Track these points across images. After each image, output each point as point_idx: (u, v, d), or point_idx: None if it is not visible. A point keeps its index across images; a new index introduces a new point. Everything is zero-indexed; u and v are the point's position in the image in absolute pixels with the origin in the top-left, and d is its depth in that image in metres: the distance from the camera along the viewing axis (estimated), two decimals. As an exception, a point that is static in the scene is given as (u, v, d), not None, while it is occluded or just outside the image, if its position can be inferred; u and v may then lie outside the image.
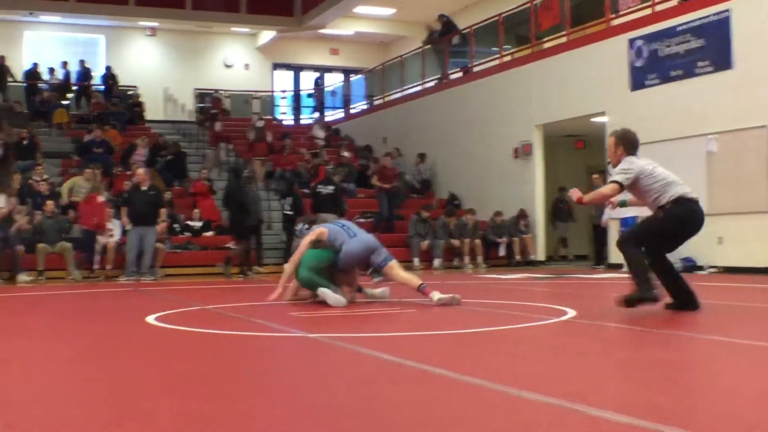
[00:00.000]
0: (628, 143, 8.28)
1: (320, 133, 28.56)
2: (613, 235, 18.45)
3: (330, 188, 18.81)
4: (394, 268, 9.72)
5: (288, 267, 9.97)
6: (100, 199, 17.98)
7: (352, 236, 9.81)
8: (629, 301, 7.84)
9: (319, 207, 18.49)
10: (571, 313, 8.10)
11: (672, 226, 7.97)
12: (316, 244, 9.75)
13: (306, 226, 10.39)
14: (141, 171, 17.77)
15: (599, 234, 19.34)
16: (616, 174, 8.04)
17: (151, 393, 4.48)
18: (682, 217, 7.93)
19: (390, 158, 23.42)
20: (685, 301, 8.05)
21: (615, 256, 18.40)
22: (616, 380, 4.80)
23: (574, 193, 8.42)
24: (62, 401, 4.27)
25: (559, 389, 4.29)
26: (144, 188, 17.18)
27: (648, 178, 7.95)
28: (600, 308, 9.74)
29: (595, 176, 19.37)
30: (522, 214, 20.69)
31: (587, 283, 14.11)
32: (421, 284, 9.43)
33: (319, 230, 9.94)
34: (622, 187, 7.98)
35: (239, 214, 17.86)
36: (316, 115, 34.03)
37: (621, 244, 8.09)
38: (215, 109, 29.77)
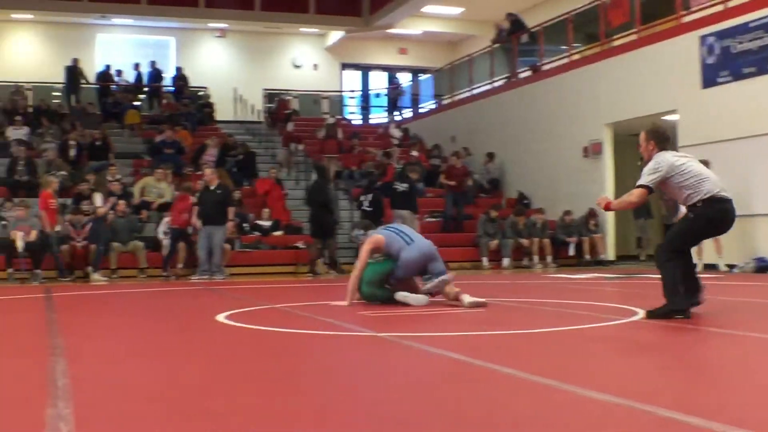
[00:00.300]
0: (660, 138, 8.02)
1: (396, 133, 28.55)
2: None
3: (405, 186, 18.84)
4: (448, 284, 9.51)
5: (352, 281, 9.78)
6: (193, 199, 18.23)
7: (409, 243, 9.63)
8: (655, 316, 7.68)
9: (394, 204, 18.58)
10: (641, 313, 8.01)
11: (702, 226, 7.80)
12: (374, 254, 9.74)
13: (362, 232, 10.27)
14: (208, 171, 17.95)
15: (671, 233, 19.08)
16: (644, 176, 7.79)
17: (222, 390, 4.54)
18: (712, 217, 7.71)
19: (457, 158, 23.38)
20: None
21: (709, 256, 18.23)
22: (686, 381, 4.75)
23: (602, 201, 8.34)
24: (139, 398, 4.34)
25: (629, 389, 4.27)
26: (212, 188, 17.34)
27: (679, 175, 7.70)
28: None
29: (666, 175, 19.17)
30: (591, 214, 20.52)
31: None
32: (458, 293, 9.29)
33: (375, 238, 9.77)
34: (650, 190, 7.80)
35: (323, 213, 17.98)
36: (386, 114, 34.10)
37: (656, 255, 7.94)
38: (287, 110, 29.95)
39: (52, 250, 16.67)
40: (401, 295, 9.35)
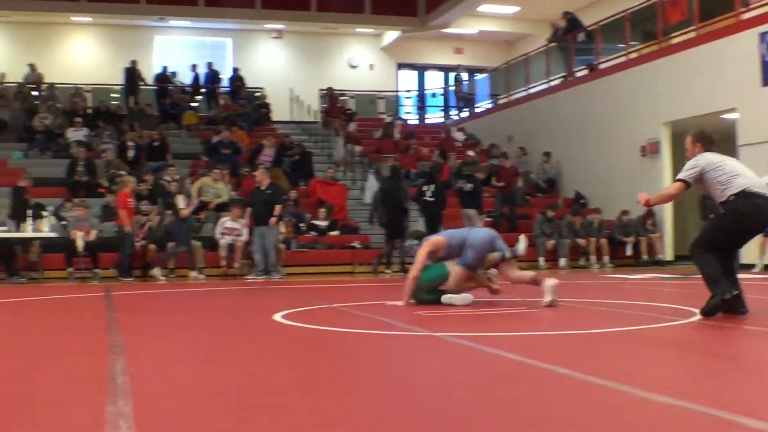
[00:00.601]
0: (705, 140, 8.21)
1: (459, 136, 28.44)
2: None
3: (470, 186, 18.86)
4: (512, 265, 9.62)
5: (409, 281, 9.77)
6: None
7: (471, 229, 9.90)
8: (707, 312, 7.65)
9: (461, 203, 18.73)
10: (699, 314, 7.94)
11: (734, 220, 7.76)
12: (431, 256, 9.74)
13: (416, 242, 10.21)
14: (258, 171, 18.08)
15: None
16: (683, 171, 7.99)
17: (280, 389, 4.57)
18: (744, 211, 7.66)
19: (505, 158, 23.25)
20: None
21: (746, 256, 17.99)
22: (747, 383, 4.70)
23: (642, 196, 8.34)
24: (198, 395, 4.39)
25: (687, 391, 4.24)
26: (262, 188, 17.47)
27: (714, 171, 7.80)
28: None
29: (725, 174, 18.96)
30: (649, 213, 20.34)
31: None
32: (535, 276, 9.42)
33: (435, 239, 9.84)
34: (687, 185, 7.93)
35: (397, 213, 18.09)
36: (442, 114, 34.07)
37: (691, 250, 7.93)
38: (339, 105, 30.02)
39: (126, 249, 16.93)
40: (446, 298, 9.36)
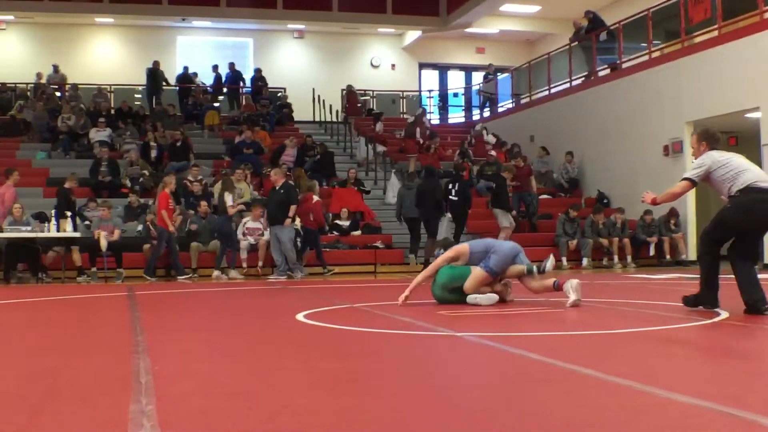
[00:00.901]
0: (711, 138, 8.35)
1: (491, 139, 28.33)
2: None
3: (494, 185, 19.06)
4: (535, 277, 9.60)
5: (417, 278, 9.91)
6: (316, 198, 18.55)
7: (498, 242, 9.92)
8: (687, 301, 8.41)
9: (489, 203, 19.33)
10: (724, 314, 7.91)
11: (738, 215, 7.90)
12: (452, 262, 9.77)
13: (442, 251, 10.30)
14: (273, 171, 18.14)
15: (753, 233, 18.77)
16: (690, 170, 8.27)
17: (304, 388, 4.58)
18: (748, 206, 7.81)
19: (521, 158, 23.18)
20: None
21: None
22: (771, 383, 4.68)
23: (648, 196, 8.67)
24: (221, 394, 4.40)
25: (711, 391, 4.22)
26: (276, 188, 17.52)
27: (721, 168, 7.96)
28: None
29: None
30: (672, 213, 20.25)
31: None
32: (555, 281, 9.38)
33: (459, 247, 10.03)
34: (693, 183, 8.14)
35: (435, 212, 18.19)
36: (463, 113, 34.10)
37: (698, 246, 8.31)
38: (373, 110, 30.09)
39: (160, 249, 17.13)
40: (471, 298, 9.37)
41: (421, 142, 26.07)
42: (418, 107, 31.16)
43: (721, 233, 8.15)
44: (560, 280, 9.26)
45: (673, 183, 20.14)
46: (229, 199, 18.53)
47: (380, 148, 25.75)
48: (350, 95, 30.30)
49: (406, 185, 19.67)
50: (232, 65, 30.43)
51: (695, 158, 8.38)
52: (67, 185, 18.16)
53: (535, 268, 9.49)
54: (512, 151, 25.53)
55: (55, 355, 6.11)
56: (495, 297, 9.40)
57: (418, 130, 26.51)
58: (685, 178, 8.17)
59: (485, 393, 4.41)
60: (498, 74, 32.97)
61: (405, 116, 32.30)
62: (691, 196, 20.46)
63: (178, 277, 17.07)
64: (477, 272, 9.50)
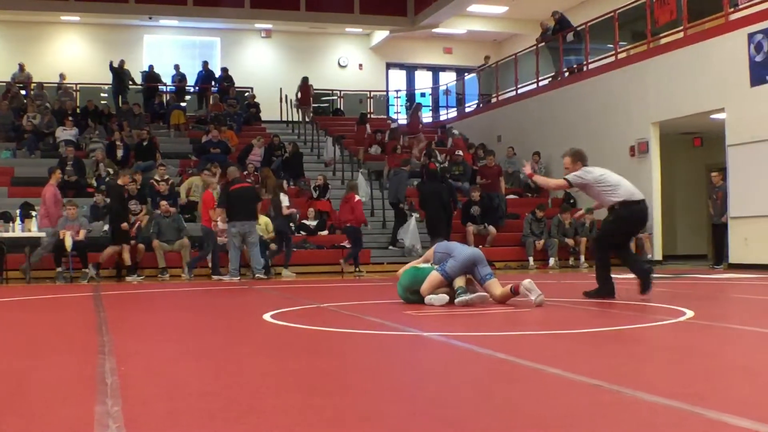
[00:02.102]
0: (583, 158, 10.30)
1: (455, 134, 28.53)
2: (734, 233, 18.10)
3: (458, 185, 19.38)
4: (495, 285, 9.44)
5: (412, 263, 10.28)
6: (358, 198, 18.68)
7: (460, 247, 9.81)
8: (587, 294, 10.00)
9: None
10: (689, 313, 7.97)
11: (622, 225, 9.83)
12: (427, 261, 9.90)
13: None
14: (229, 170, 18.11)
15: (719, 233, 18.94)
16: (572, 174, 9.98)
17: (272, 388, 4.57)
18: (629, 217, 9.79)
19: (491, 158, 23.30)
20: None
21: (735, 255, 18.06)
22: (736, 382, 4.71)
23: (528, 168, 10.71)
24: (188, 395, 4.38)
25: (676, 391, 4.24)
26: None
27: (600, 184, 9.81)
28: (719, 309, 9.61)
29: (714, 174, 19.03)
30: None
31: (706, 284, 13.86)
32: (511, 286, 9.24)
33: (431, 249, 10.09)
34: (569, 185, 9.99)
35: (440, 213, 18.33)
36: (431, 114, 34.21)
37: (593, 251, 9.84)
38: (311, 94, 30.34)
39: (209, 247, 17.32)
40: (429, 299, 9.36)
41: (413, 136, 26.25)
42: (386, 107, 31.26)
43: (615, 240, 9.90)
44: (515, 285, 9.21)
45: (640, 183, 20.38)
46: (285, 200, 18.70)
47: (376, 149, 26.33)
48: (304, 87, 30.34)
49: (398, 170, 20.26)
50: (205, 64, 30.37)
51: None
52: (120, 182, 17.93)
53: (465, 297, 9.30)
54: (476, 153, 25.63)
55: (20, 356, 6.06)
56: (446, 298, 9.39)
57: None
58: (565, 178, 9.97)
59: (453, 393, 4.41)
60: (464, 74, 33.07)
61: (372, 116, 32.45)
62: (656, 196, 20.61)
63: (213, 276, 17.13)
64: (432, 275, 9.54)
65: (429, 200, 18.94)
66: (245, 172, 21.79)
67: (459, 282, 9.42)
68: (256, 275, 16.61)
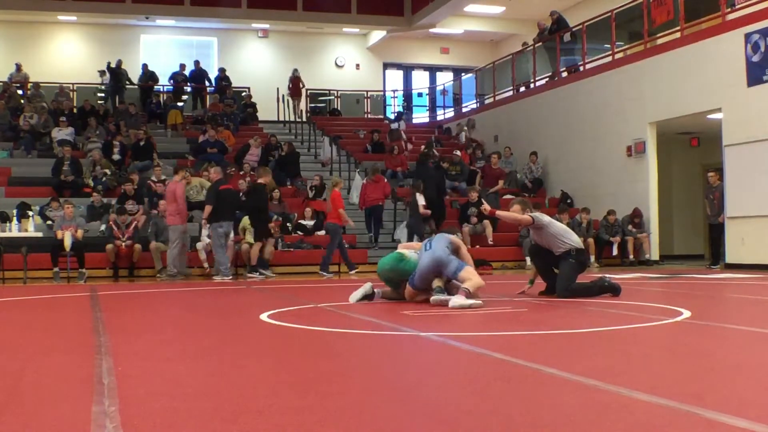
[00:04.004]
0: (530, 206, 10.99)
1: (462, 138, 28.49)
2: (731, 233, 18.10)
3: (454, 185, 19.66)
4: (467, 272, 9.30)
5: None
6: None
7: (427, 249, 9.70)
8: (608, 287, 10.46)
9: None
10: (686, 313, 7.98)
11: (581, 268, 10.56)
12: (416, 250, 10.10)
13: (459, 234, 10.85)
14: (214, 169, 18.15)
15: (715, 233, 18.95)
16: (536, 213, 10.65)
17: (267, 389, 4.57)
18: (584, 261, 10.76)
19: (494, 156, 23.38)
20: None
21: (732, 255, 18.07)
22: (733, 382, 4.71)
23: (486, 207, 10.92)
24: (185, 395, 4.38)
25: (674, 390, 4.25)
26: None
27: (552, 227, 10.43)
28: (716, 309, 9.61)
29: (711, 174, 19.03)
30: (635, 213, 20.39)
31: (703, 284, 13.86)
32: (466, 289, 9.10)
33: (420, 243, 10.39)
34: (532, 222, 10.39)
35: (434, 196, 18.60)
36: (427, 114, 34.25)
37: (564, 293, 10.11)
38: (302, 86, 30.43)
39: (340, 244, 17.67)
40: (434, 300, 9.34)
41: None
42: (383, 107, 31.29)
43: (576, 278, 10.43)
44: (462, 292, 9.11)
45: (636, 183, 20.41)
46: (421, 199, 19.07)
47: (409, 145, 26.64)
48: (295, 80, 30.66)
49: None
50: (197, 63, 30.32)
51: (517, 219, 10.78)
52: (261, 181, 17.98)
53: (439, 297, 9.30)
54: (474, 153, 25.63)
55: (17, 356, 6.05)
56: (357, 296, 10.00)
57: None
58: (531, 215, 10.42)
59: (450, 392, 4.41)
60: (461, 75, 33.09)
61: (369, 116, 32.53)
62: (653, 196, 20.63)
63: (350, 272, 17.64)
64: (407, 289, 9.78)
65: (427, 185, 19.44)
66: (242, 172, 21.84)
67: (436, 282, 9.44)
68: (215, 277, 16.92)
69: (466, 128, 28.75)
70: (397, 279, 9.93)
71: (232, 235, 17.61)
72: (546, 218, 10.57)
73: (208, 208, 16.91)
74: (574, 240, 10.50)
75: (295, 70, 30.80)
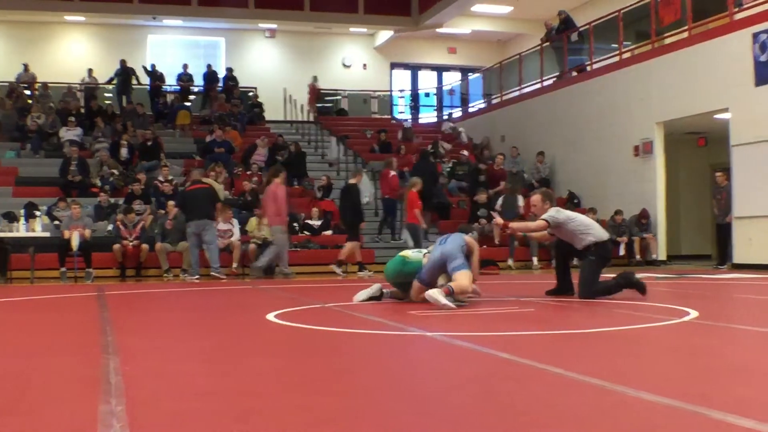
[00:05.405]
0: (552, 198, 10.76)
1: (464, 137, 28.51)
2: (739, 233, 18.08)
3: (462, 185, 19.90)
4: (459, 277, 9.17)
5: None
6: (393, 173, 20.13)
7: (441, 244, 9.66)
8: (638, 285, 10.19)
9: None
10: (693, 313, 7.97)
11: (604, 262, 10.36)
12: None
13: (474, 233, 10.85)
14: (192, 171, 18.24)
15: (723, 233, 18.92)
16: (547, 215, 10.18)
17: (276, 388, 4.57)
18: (606, 255, 10.46)
19: (499, 156, 23.43)
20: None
21: (739, 255, 18.04)
22: (740, 383, 4.70)
23: (498, 221, 11.20)
24: (192, 395, 4.38)
25: (679, 391, 4.24)
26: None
27: (572, 223, 10.18)
28: (723, 309, 9.59)
29: (718, 174, 19.00)
30: (642, 214, 20.36)
31: (710, 284, 13.84)
32: (450, 287, 9.02)
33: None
34: (548, 225, 10.14)
35: (431, 187, 19.01)
36: (435, 113, 34.25)
37: (588, 294, 9.93)
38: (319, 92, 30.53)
39: (418, 243, 17.49)
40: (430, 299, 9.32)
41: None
42: (390, 107, 31.36)
43: (598, 278, 10.24)
44: (446, 289, 9.09)
45: (644, 183, 20.40)
46: (520, 199, 19.56)
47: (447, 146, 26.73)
48: (314, 88, 31.41)
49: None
50: (209, 67, 30.35)
51: (537, 214, 10.51)
52: (352, 181, 18.30)
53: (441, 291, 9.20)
54: (482, 153, 25.62)
55: (24, 356, 6.06)
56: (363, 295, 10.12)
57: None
58: (543, 219, 10.13)
59: (457, 392, 4.41)
60: (470, 74, 33.07)
61: (376, 116, 32.58)
62: (660, 196, 20.61)
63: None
64: (414, 284, 9.67)
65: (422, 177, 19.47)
66: (249, 172, 21.87)
67: (441, 280, 9.44)
68: (212, 273, 16.96)
69: (462, 133, 28.78)
70: (406, 282, 9.90)
71: (237, 234, 17.70)
72: (563, 215, 10.22)
73: (174, 210, 17.77)
74: (596, 233, 10.23)
75: (315, 78, 30.86)
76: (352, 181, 18.19)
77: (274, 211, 17.22)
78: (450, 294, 8.89)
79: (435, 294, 8.86)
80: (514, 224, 10.84)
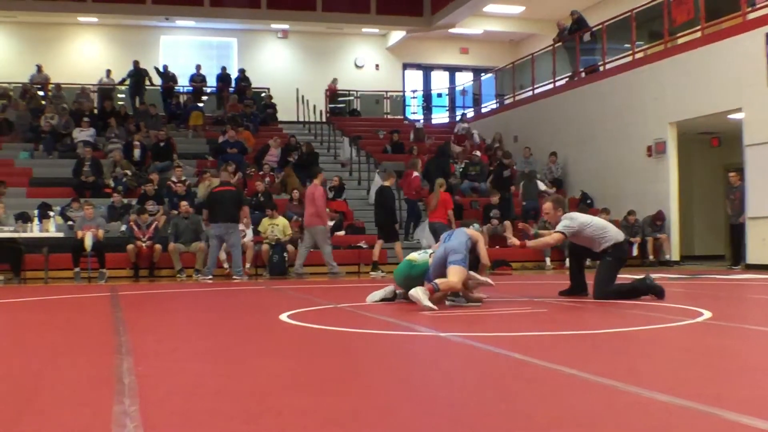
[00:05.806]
0: (564, 205, 10.92)
1: (476, 139, 28.49)
2: (752, 233, 18.02)
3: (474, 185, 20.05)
4: (450, 272, 9.08)
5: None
6: (416, 174, 20.15)
7: (445, 242, 9.58)
8: (657, 291, 10.01)
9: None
10: (707, 314, 7.94)
11: (620, 264, 10.37)
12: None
13: (476, 225, 11.06)
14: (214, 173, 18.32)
15: (736, 233, 18.87)
16: (561, 226, 10.18)
17: (288, 389, 4.57)
18: (623, 257, 10.48)
19: (511, 160, 23.44)
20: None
21: (753, 255, 17.98)
22: (754, 383, 4.69)
23: (513, 240, 10.61)
24: (205, 395, 4.38)
25: (693, 391, 4.23)
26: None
27: (588, 228, 10.18)
28: (737, 310, 9.56)
29: (731, 174, 18.95)
30: (659, 216, 20.30)
31: (724, 284, 13.80)
32: (437, 286, 8.98)
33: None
34: (565, 236, 10.21)
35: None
36: (447, 113, 34.23)
37: (604, 295, 9.94)
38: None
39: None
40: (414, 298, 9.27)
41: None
42: (402, 107, 31.41)
43: (614, 279, 10.25)
44: (431, 286, 9.05)
45: (657, 183, 20.37)
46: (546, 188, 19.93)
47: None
48: (333, 90, 31.60)
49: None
50: (224, 69, 30.42)
51: (550, 221, 10.82)
52: (386, 183, 18.35)
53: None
54: (495, 153, 25.58)
55: (38, 356, 6.08)
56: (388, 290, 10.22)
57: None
58: (559, 231, 10.12)
59: (470, 393, 4.41)
60: (482, 74, 33.04)
61: (388, 116, 32.60)
62: (674, 196, 20.57)
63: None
64: (425, 286, 9.46)
65: (433, 174, 20.01)
66: (261, 173, 21.90)
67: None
68: (234, 277, 16.95)
69: (475, 134, 28.73)
70: (415, 284, 9.83)
71: (250, 234, 17.74)
72: (577, 223, 10.17)
73: (205, 211, 17.49)
74: (612, 235, 10.19)
75: (335, 80, 31.02)
76: (385, 183, 18.22)
77: (312, 212, 17.26)
78: (435, 293, 8.87)
79: (419, 294, 8.82)
80: (530, 242, 10.59)
